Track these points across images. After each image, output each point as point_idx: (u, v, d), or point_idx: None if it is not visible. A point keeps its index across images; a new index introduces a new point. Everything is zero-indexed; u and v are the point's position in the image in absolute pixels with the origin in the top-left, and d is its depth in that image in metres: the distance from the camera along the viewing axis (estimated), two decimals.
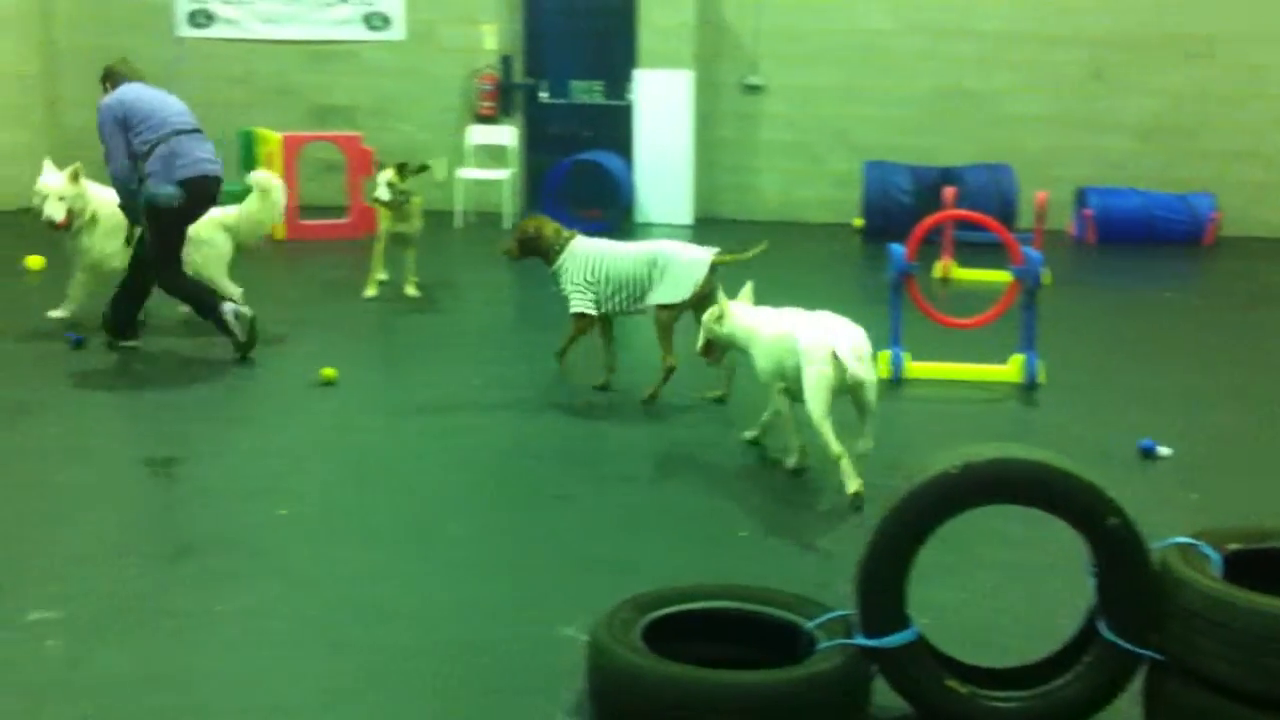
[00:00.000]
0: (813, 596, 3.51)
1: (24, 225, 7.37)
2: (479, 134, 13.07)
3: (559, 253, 6.69)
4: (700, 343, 5.78)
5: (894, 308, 6.92)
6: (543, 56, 13.58)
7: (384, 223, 8.95)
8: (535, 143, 13.56)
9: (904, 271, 6.88)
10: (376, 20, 13.33)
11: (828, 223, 12.88)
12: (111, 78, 7.40)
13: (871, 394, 5.13)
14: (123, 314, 7.35)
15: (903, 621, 3.22)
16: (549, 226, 6.85)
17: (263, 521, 4.76)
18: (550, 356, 6.90)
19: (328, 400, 6.42)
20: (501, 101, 13.27)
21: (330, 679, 3.61)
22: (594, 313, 6.63)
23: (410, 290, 8.97)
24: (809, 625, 3.32)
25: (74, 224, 7.57)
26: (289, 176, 11.31)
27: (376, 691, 3.54)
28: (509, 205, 12.54)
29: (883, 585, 3.22)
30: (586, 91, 13.53)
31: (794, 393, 5.27)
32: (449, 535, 4.72)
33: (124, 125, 7.01)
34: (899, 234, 7.72)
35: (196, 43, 13.61)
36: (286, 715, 3.42)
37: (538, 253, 6.81)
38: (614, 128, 13.18)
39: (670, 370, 6.44)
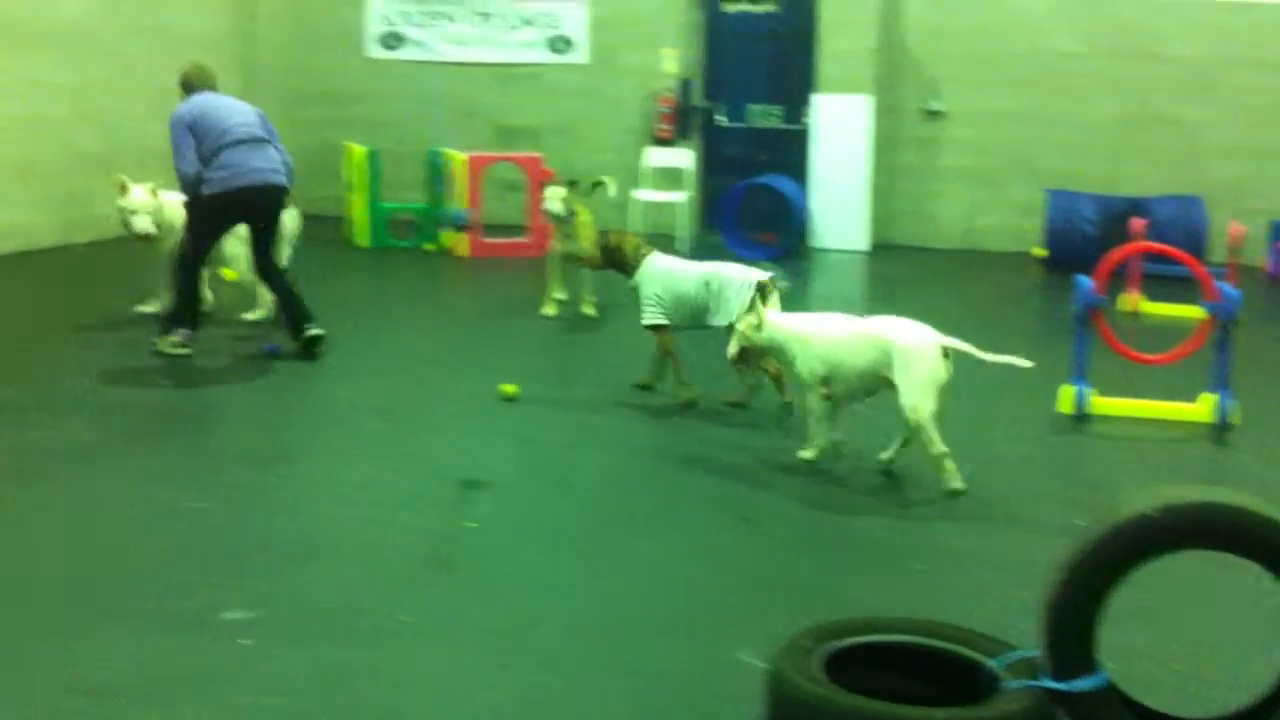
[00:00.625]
0: (994, 634, 3.45)
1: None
2: (656, 156, 13.20)
3: (635, 267, 6.94)
4: (734, 349, 5.96)
5: (1079, 341, 6.76)
6: (721, 80, 13.65)
7: (555, 243, 9.13)
8: (711, 166, 13.63)
9: (1091, 304, 6.72)
10: (560, 43, 13.58)
11: (1008, 251, 12.66)
12: (187, 86, 7.74)
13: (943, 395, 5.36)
14: (295, 312, 7.61)
15: (1092, 665, 3.14)
16: (630, 240, 7.09)
17: (451, 532, 4.87)
18: (730, 377, 6.91)
19: (510, 415, 6.55)
20: (679, 124, 13.38)
21: (526, 689, 3.67)
22: (666, 323, 6.87)
23: (587, 310, 9.09)
24: (992, 664, 3.27)
25: (157, 234, 8.06)
26: (473, 196, 11.62)
27: (573, 704, 3.59)
28: (684, 228, 12.62)
29: (1072, 627, 3.15)
30: (764, 115, 13.55)
31: (841, 394, 5.65)
32: (637, 552, 4.78)
33: (192, 131, 7.37)
34: (1082, 265, 7.55)
35: (386, 64, 14.05)
36: None
37: (618, 265, 7.07)
38: (791, 152, 13.17)
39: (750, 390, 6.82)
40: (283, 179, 7.61)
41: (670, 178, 13.11)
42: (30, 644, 3.85)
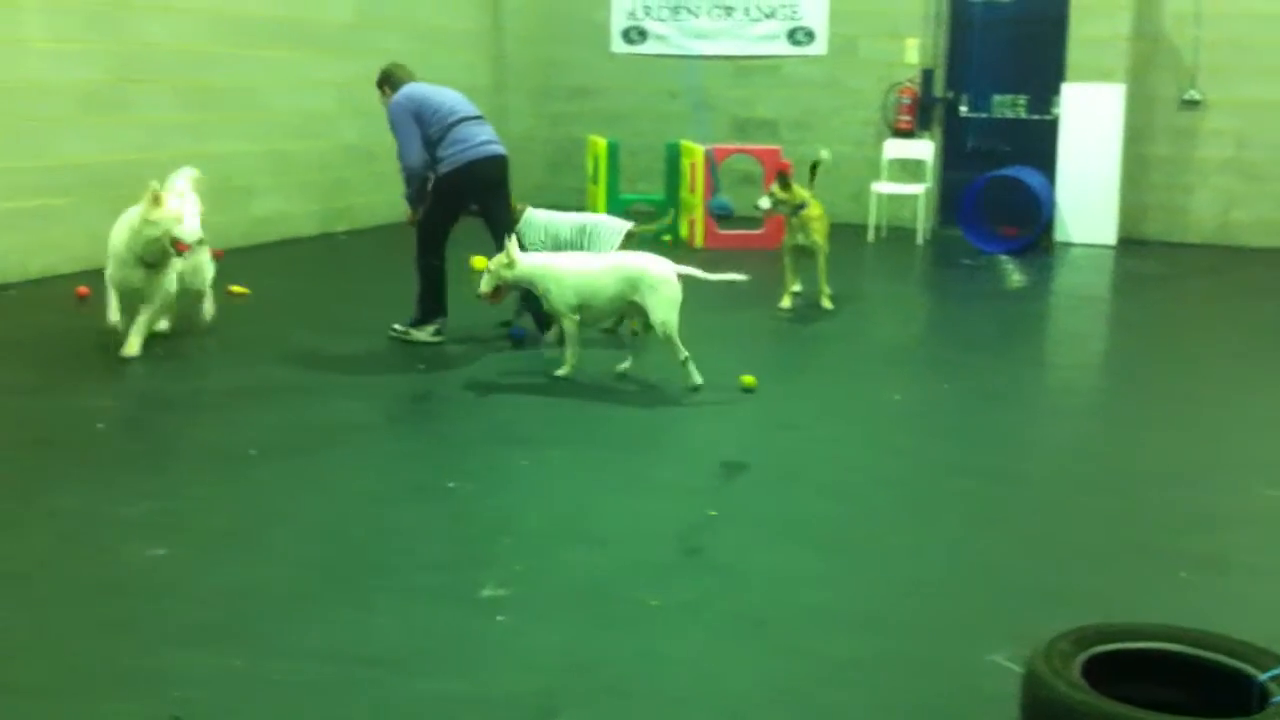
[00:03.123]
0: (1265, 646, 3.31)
1: (473, 228, 7.93)
2: (895, 148, 13.05)
3: (516, 221, 7.70)
4: (486, 286, 6.83)
5: None
6: (964, 70, 13.39)
7: (785, 236, 9.14)
8: (952, 157, 13.39)
9: None
10: (800, 35, 13.55)
11: (1267, 247, 12.05)
12: (390, 80, 7.88)
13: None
14: (429, 305, 7.77)
15: None
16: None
17: (693, 520, 4.94)
18: (976, 376, 6.82)
19: (748, 406, 6.60)
20: (920, 115, 13.19)
21: (772, 678, 3.70)
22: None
23: (824, 302, 9.06)
24: (1263, 677, 3.15)
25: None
26: (709, 188, 11.72)
27: (820, 695, 3.61)
28: (923, 220, 12.44)
29: None
30: (1009, 106, 13.22)
31: (593, 318, 6.87)
32: (884, 547, 4.75)
33: (417, 117, 7.52)
34: None
35: (628, 59, 14.27)
36: (726, 709, 3.53)
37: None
38: (1036, 143, 12.82)
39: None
40: (504, 150, 7.82)
41: (909, 170, 12.93)
42: (301, 610, 4.08)
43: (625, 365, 6.96)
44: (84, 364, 7.11)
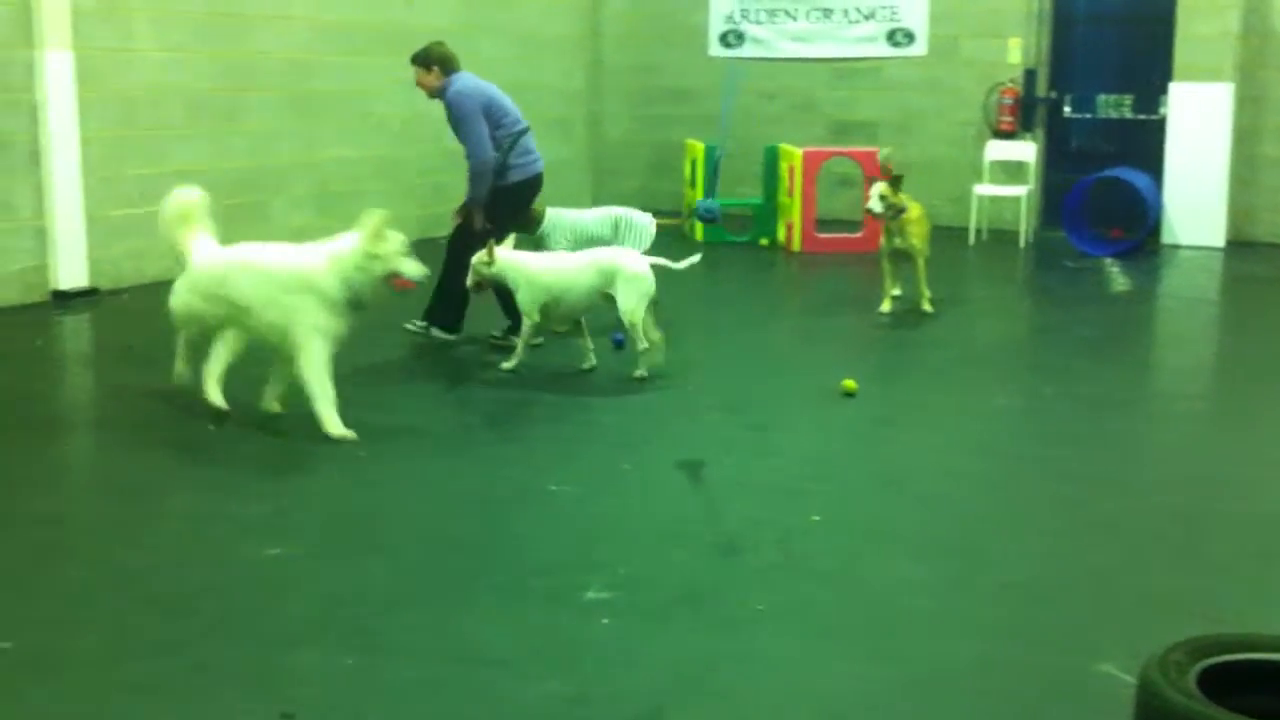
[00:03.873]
0: None
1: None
2: (997, 149, 12.89)
3: (539, 222, 7.99)
4: (470, 280, 7.10)
5: None
6: (1068, 69, 13.18)
7: (882, 240, 9.05)
8: (1055, 159, 13.20)
9: None
10: (900, 36, 13.41)
11: None
12: (443, 64, 7.62)
13: None
14: (448, 308, 7.70)
15: None
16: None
17: (797, 525, 4.93)
18: (1081, 381, 6.71)
19: (849, 411, 6.57)
20: (1022, 116, 13.01)
21: (877, 683, 3.69)
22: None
23: (924, 306, 8.97)
24: None
25: None
26: (807, 190, 11.67)
27: (925, 701, 3.59)
28: (1025, 223, 12.27)
29: None
30: (1114, 106, 12.99)
31: (566, 313, 7.06)
32: (988, 554, 4.70)
33: (487, 115, 7.41)
34: None
35: (726, 61, 14.26)
36: (828, 714, 3.53)
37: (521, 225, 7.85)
38: (1141, 143, 12.58)
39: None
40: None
41: (1011, 171, 12.77)
42: (409, 610, 4.15)
43: (589, 364, 7.23)
44: (193, 368, 7.27)
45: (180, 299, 6.24)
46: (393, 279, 5.96)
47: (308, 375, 5.83)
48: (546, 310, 7.06)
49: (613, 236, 8.13)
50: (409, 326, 7.80)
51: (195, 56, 9.99)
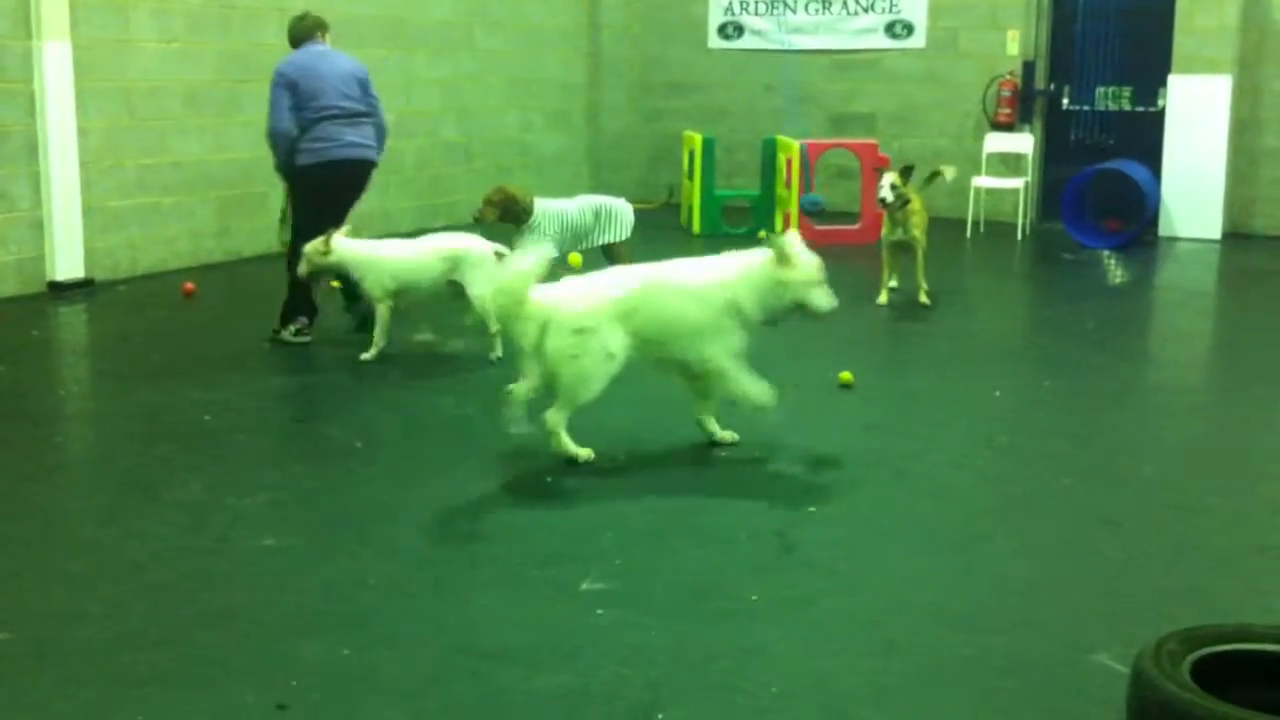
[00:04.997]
0: None
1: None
2: (995, 141, 12.89)
3: (528, 211, 7.97)
4: (305, 268, 7.11)
5: None
6: (1067, 62, 13.18)
7: (884, 230, 9.05)
8: (1054, 151, 13.21)
9: None
10: (899, 28, 13.43)
11: None
12: (291, 37, 7.76)
13: None
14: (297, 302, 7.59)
15: None
16: (519, 190, 8.10)
17: (794, 517, 4.94)
18: (1080, 372, 6.71)
19: (846, 403, 6.57)
20: (1021, 108, 13.01)
21: (877, 675, 3.69)
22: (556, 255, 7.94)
23: (922, 298, 8.98)
24: None
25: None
26: (803, 183, 11.67)
27: (924, 693, 3.60)
28: (1023, 215, 12.27)
29: None
30: (1113, 98, 12.98)
31: (414, 301, 7.18)
32: (987, 545, 4.71)
33: (295, 92, 7.40)
34: None
35: (725, 53, 14.26)
36: (829, 706, 3.53)
37: (513, 216, 7.95)
38: (1140, 136, 12.59)
39: None
40: (371, 154, 7.70)
41: (1009, 163, 12.77)
42: (406, 601, 4.15)
43: (427, 337, 7.55)
44: (191, 358, 7.28)
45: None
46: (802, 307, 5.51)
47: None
48: (397, 297, 7.12)
49: (594, 225, 8.27)
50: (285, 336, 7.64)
51: (194, 48, 9.98)
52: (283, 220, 8.09)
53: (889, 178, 8.79)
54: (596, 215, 8.29)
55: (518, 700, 3.51)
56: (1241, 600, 4.20)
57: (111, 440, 6.04)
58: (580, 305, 5.31)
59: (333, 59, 7.66)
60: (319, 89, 7.44)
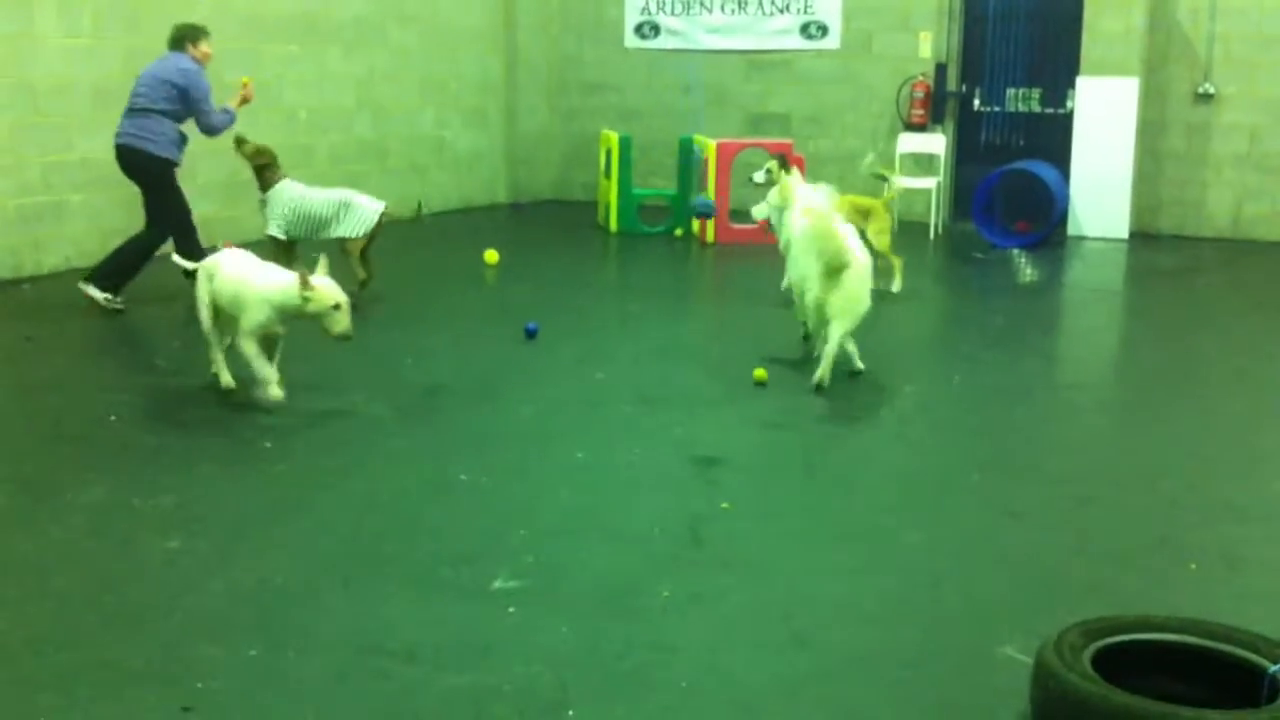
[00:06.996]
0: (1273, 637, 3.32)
1: (485, 223, 7.94)
2: (908, 142, 13.04)
3: (271, 185, 8.54)
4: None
5: None
6: (978, 64, 13.37)
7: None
8: (966, 151, 13.39)
9: None
10: (814, 29, 13.54)
11: None
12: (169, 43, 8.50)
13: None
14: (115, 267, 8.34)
15: None
16: (277, 164, 8.63)
17: (706, 513, 4.95)
18: (989, 370, 6.79)
19: (761, 401, 6.60)
20: (933, 109, 13.17)
21: (785, 670, 3.72)
22: (283, 237, 8.59)
23: None
24: (1274, 669, 3.15)
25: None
26: (722, 183, 11.71)
27: (832, 686, 3.63)
28: (935, 214, 12.42)
29: None
30: (1023, 100, 13.20)
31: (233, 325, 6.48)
32: (897, 540, 4.75)
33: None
34: None
35: (641, 53, 14.27)
36: (739, 701, 3.55)
37: (260, 173, 8.59)
38: (1049, 137, 12.82)
39: (363, 283, 8.58)
40: (136, 142, 8.31)
41: (922, 164, 12.92)
42: (314, 602, 4.10)
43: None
44: (95, 358, 7.15)
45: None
46: None
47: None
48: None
49: (332, 217, 8.58)
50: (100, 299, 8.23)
51: (101, 44, 9.78)
52: None
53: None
54: (339, 209, 8.58)
55: (427, 700, 3.49)
56: (1143, 592, 4.27)
57: (13, 441, 5.90)
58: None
59: (159, 63, 8.42)
60: (137, 82, 8.34)
